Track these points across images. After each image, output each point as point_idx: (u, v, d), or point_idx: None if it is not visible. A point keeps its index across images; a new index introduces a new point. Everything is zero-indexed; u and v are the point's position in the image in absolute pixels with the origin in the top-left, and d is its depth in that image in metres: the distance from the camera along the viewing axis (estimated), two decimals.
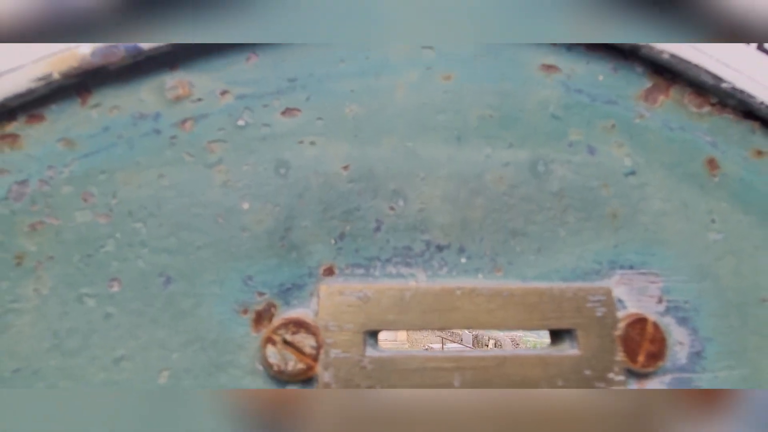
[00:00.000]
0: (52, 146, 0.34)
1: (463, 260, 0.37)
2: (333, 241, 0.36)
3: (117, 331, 0.34)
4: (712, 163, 0.39)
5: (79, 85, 0.34)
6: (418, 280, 0.36)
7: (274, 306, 0.35)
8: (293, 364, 0.34)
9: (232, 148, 0.36)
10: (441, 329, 0.36)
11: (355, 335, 0.34)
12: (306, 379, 0.34)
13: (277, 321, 0.34)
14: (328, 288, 0.35)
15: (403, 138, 0.37)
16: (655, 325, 0.36)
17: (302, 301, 0.35)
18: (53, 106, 0.34)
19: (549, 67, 0.38)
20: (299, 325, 0.34)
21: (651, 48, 0.37)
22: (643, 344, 0.36)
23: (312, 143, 0.36)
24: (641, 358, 0.36)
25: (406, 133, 0.37)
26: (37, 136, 0.34)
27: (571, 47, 0.38)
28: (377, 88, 0.37)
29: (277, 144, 0.36)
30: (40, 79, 0.33)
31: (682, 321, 0.38)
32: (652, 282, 0.38)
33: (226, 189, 0.35)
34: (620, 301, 0.37)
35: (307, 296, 0.35)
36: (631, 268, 0.38)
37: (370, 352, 0.35)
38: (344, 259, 0.36)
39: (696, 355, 0.38)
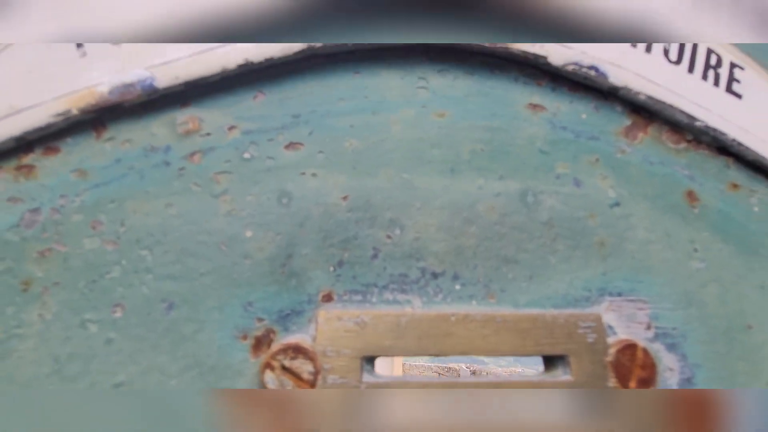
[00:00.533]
0: (66, 177, 0.36)
1: (458, 287, 0.38)
2: (332, 269, 0.37)
3: (118, 356, 0.34)
4: (691, 195, 0.42)
5: (95, 120, 0.36)
6: (414, 307, 0.37)
7: (273, 332, 0.36)
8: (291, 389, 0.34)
9: (238, 179, 0.37)
10: (436, 355, 0.36)
11: (352, 361, 0.35)
12: None
13: (275, 347, 0.35)
14: (326, 314, 0.36)
15: (399, 170, 0.39)
16: (645, 351, 0.37)
17: (301, 326, 0.36)
18: (69, 139, 0.36)
19: (535, 106, 0.41)
20: (298, 350, 0.35)
21: (628, 90, 0.40)
22: (633, 370, 0.37)
23: (313, 175, 0.38)
24: (633, 384, 0.37)
25: (402, 165, 0.39)
26: (52, 167, 0.36)
27: (555, 88, 0.41)
28: (375, 124, 0.39)
29: (281, 175, 0.38)
30: (59, 114, 0.35)
31: (671, 347, 0.39)
32: (640, 309, 0.39)
33: (231, 218, 0.37)
34: (610, 327, 0.38)
35: (306, 322, 0.36)
36: (620, 295, 0.39)
37: (366, 377, 0.35)
38: (342, 286, 0.37)
39: (687, 382, 0.38)
